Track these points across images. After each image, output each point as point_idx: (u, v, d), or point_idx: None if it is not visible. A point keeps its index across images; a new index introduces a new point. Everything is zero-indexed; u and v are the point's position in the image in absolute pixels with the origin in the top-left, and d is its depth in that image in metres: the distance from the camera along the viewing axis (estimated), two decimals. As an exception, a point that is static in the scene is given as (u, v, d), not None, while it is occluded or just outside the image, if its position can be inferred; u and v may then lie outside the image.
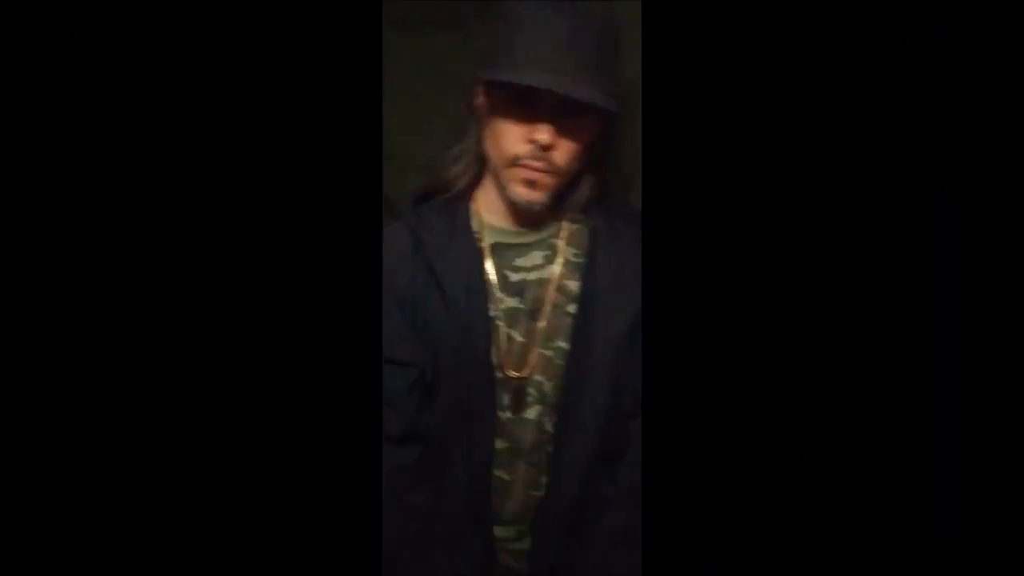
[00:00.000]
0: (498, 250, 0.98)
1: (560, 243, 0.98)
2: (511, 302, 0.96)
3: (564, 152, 0.90)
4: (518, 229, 0.98)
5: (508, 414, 0.95)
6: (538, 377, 0.96)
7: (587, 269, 0.97)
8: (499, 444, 0.95)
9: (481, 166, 0.97)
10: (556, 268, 0.97)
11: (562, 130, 0.89)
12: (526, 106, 0.89)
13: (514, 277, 0.97)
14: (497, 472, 0.96)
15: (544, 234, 0.99)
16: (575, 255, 0.98)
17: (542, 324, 0.96)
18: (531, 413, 0.96)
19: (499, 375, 0.96)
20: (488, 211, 0.99)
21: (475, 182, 0.99)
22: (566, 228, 0.99)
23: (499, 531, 0.97)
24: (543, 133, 0.88)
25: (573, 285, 0.97)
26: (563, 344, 0.96)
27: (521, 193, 0.92)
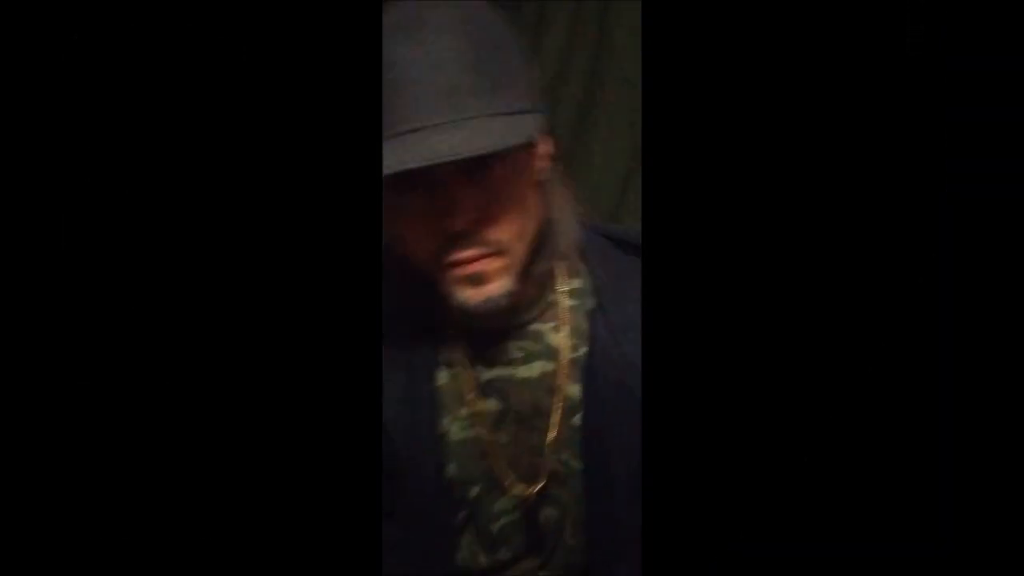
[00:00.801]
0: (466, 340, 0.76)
1: (547, 330, 0.76)
2: (488, 405, 0.77)
3: (501, 222, 0.67)
4: (488, 325, 0.75)
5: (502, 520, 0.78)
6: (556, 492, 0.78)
7: (587, 364, 0.75)
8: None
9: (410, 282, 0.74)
10: (547, 365, 0.76)
11: (485, 196, 0.66)
12: (427, 187, 0.66)
13: (487, 375, 0.77)
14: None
15: (523, 318, 0.76)
16: (572, 348, 0.76)
17: (546, 434, 0.76)
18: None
19: (477, 488, 0.77)
20: (448, 316, 0.75)
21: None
22: (559, 305, 0.77)
23: None
24: (456, 218, 0.65)
25: (575, 389, 0.76)
26: (571, 459, 0.77)
27: (471, 296, 0.68)
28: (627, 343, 0.75)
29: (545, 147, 0.74)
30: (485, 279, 0.69)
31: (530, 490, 0.76)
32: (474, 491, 0.78)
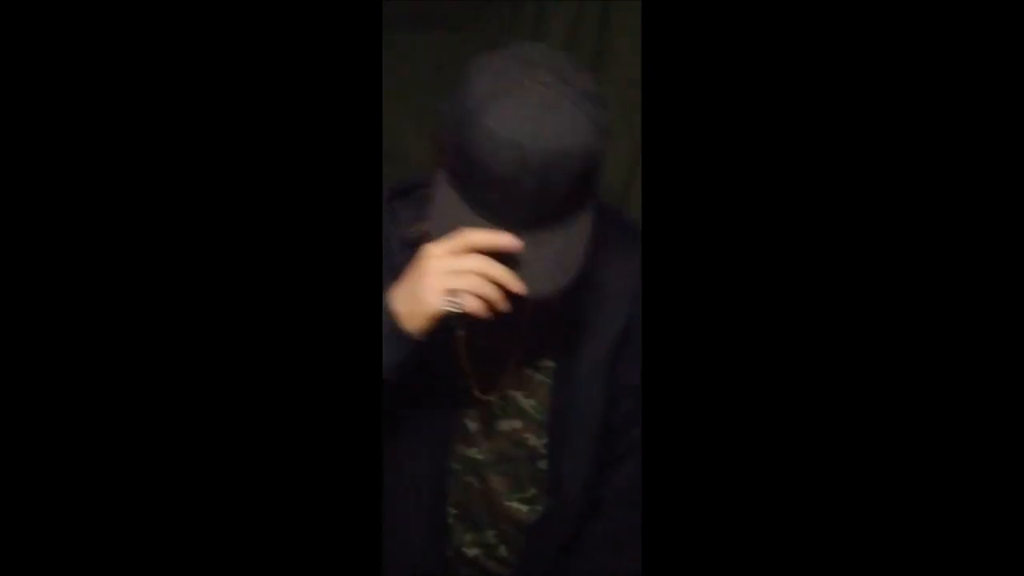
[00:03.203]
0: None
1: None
2: None
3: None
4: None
5: (476, 424, 0.92)
6: (523, 399, 0.92)
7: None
8: (471, 452, 0.92)
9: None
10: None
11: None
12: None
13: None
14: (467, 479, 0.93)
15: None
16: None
17: (520, 341, 0.89)
18: (504, 426, 0.92)
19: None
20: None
21: None
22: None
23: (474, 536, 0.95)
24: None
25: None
26: (546, 362, 0.91)
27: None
28: (603, 267, 0.87)
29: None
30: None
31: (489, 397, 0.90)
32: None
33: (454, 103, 0.74)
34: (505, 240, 0.72)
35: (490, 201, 0.73)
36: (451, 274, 0.72)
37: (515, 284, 0.72)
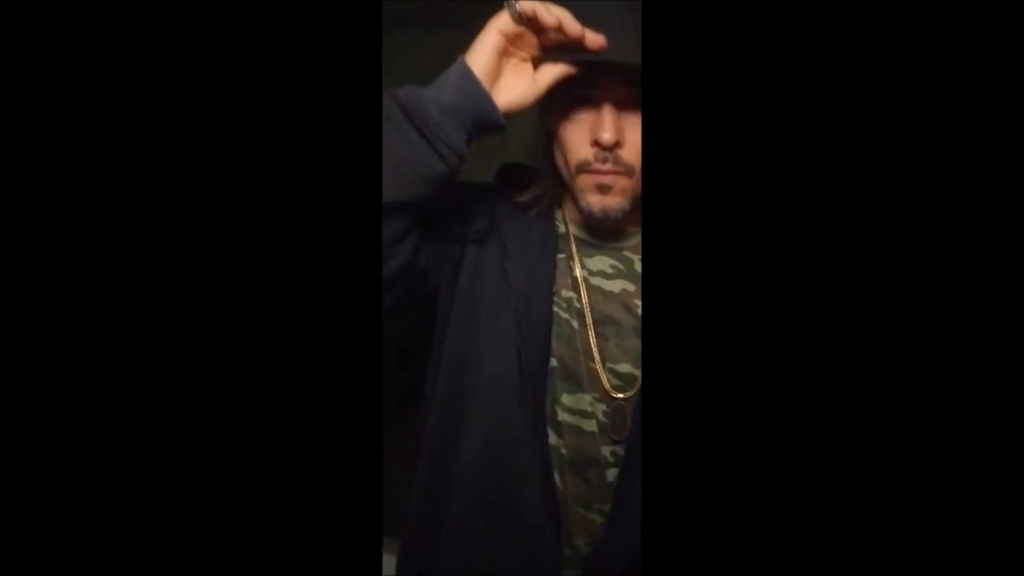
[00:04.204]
0: (571, 242, 0.92)
1: (635, 257, 0.92)
2: (569, 294, 0.91)
3: (634, 148, 0.84)
4: (591, 237, 0.93)
5: (566, 416, 0.88)
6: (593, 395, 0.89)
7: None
8: (552, 443, 0.88)
9: (558, 180, 0.92)
10: (624, 283, 0.91)
11: (627, 123, 0.83)
12: (586, 102, 0.84)
13: (576, 272, 0.91)
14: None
15: (623, 243, 0.92)
16: None
17: (600, 340, 0.89)
18: (590, 425, 0.88)
19: (555, 364, 0.89)
20: (572, 222, 0.94)
21: (558, 196, 0.93)
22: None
23: None
24: (606, 131, 0.82)
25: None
26: (629, 368, 0.89)
27: (594, 202, 0.86)
28: None
29: None
30: (611, 191, 0.86)
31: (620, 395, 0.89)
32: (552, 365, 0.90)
33: None
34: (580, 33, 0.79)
35: None
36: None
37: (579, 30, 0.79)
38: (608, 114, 0.82)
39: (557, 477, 0.87)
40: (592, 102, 0.83)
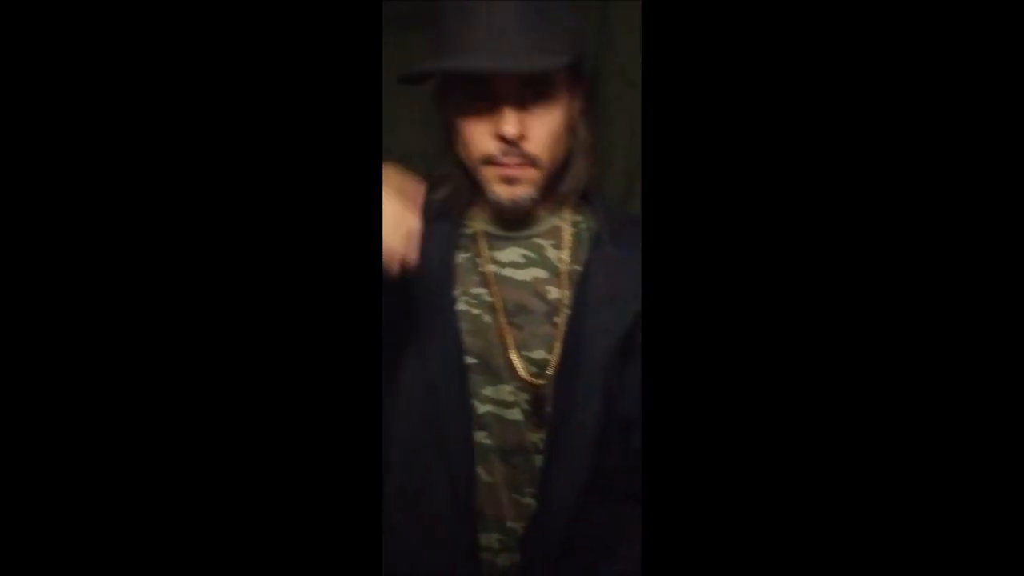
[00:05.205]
0: (478, 240, 0.93)
1: (546, 243, 0.94)
2: (477, 292, 0.92)
3: (538, 141, 0.85)
4: (501, 229, 0.94)
5: (488, 407, 0.91)
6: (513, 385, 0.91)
7: (582, 279, 0.91)
8: (478, 437, 0.90)
9: (466, 172, 0.92)
10: (536, 271, 0.92)
11: (530, 117, 0.84)
12: (486, 98, 0.84)
13: (485, 268, 0.92)
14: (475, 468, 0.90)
15: (533, 230, 0.94)
16: (563, 261, 0.92)
17: (514, 330, 0.90)
18: (513, 414, 0.91)
19: (473, 361, 0.91)
20: (481, 219, 0.94)
21: (469, 191, 0.93)
22: (563, 230, 0.93)
23: (481, 538, 0.91)
24: (508, 125, 0.83)
25: (554, 292, 0.92)
26: (543, 355, 0.90)
27: (502, 192, 0.87)
28: (617, 267, 0.91)
29: (579, 101, 0.91)
30: (517, 182, 0.86)
31: (538, 380, 0.90)
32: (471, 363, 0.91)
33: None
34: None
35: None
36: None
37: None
38: (509, 107, 0.83)
39: (482, 470, 0.90)
40: (491, 97, 0.84)
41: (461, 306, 0.91)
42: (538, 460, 0.90)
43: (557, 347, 0.89)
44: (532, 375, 0.89)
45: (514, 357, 0.89)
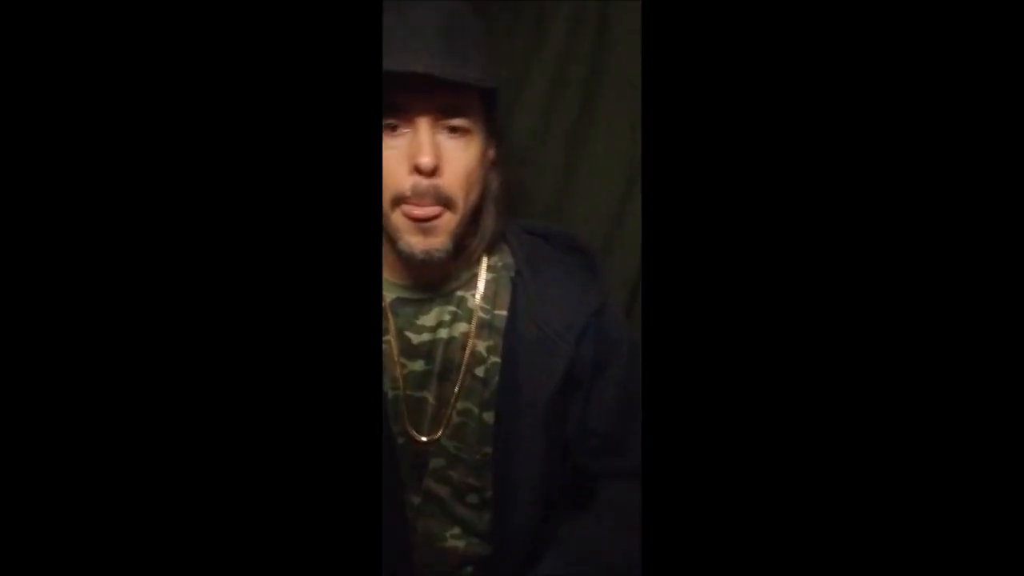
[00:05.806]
0: (397, 308, 0.88)
1: (469, 296, 0.90)
2: (415, 366, 0.89)
3: (452, 178, 0.80)
4: (420, 291, 0.89)
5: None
6: (448, 442, 0.91)
7: (508, 325, 0.89)
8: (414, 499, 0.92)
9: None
10: (465, 326, 0.89)
11: (446, 151, 0.79)
12: (403, 127, 0.79)
13: (416, 339, 0.89)
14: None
15: (452, 286, 0.90)
16: (484, 311, 0.89)
17: (454, 387, 0.89)
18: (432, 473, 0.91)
19: (401, 440, 0.90)
20: (388, 267, 0.88)
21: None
22: (479, 277, 0.90)
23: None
24: (424, 155, 0.77)
25: (482, 346, 0.89)
26: (473, 408, 0.90)
27: (415, 243, 0.81)
28: (544, 304, 0.89)
29: (493, 150, 0.88)
30: (432, 232, 0.81)
31: (423, 438, 0.90)
32: (400, 442, 0.91)
33: None
34: None
35: None
36: None
37: None
38: (424, 135, 0.78)
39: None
40: (408, 126, 0.79)
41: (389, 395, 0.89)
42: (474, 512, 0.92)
43: (489, 400, 0.89)
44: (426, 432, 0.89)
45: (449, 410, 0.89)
